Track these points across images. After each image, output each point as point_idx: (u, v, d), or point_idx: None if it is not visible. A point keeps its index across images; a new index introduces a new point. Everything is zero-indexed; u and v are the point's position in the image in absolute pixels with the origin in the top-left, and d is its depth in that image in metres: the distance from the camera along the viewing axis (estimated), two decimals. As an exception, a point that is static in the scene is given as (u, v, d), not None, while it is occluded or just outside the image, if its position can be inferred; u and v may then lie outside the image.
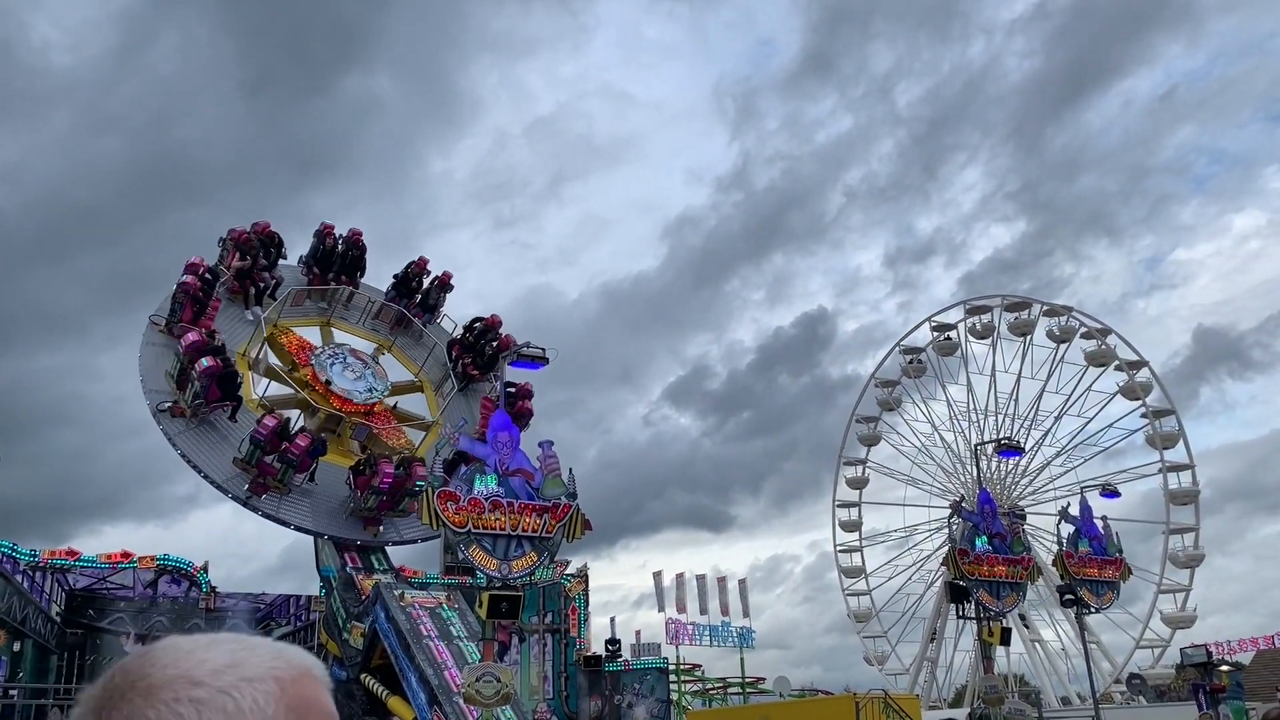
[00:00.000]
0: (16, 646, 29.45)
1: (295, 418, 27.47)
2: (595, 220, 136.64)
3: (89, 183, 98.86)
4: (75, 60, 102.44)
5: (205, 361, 23.93)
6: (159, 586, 32.16)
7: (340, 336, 30.12)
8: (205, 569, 30.59)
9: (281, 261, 29.92)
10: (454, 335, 32.06)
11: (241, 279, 28.17)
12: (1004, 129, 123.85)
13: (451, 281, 32.49)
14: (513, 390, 28.56)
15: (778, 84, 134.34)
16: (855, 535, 62.35)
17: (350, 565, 26.05)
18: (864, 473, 62.49)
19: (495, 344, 31.13)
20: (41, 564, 28.78)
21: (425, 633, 22.03)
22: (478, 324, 31.73)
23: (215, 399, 24.71)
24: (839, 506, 62.69)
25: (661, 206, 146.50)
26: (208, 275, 26.52)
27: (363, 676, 23.82)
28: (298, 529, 25.77)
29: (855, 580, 61.90)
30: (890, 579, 61.73)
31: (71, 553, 28.76)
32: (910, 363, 61.95)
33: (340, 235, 30.58)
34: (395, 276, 31.75)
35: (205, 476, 24.86)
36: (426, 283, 32.05)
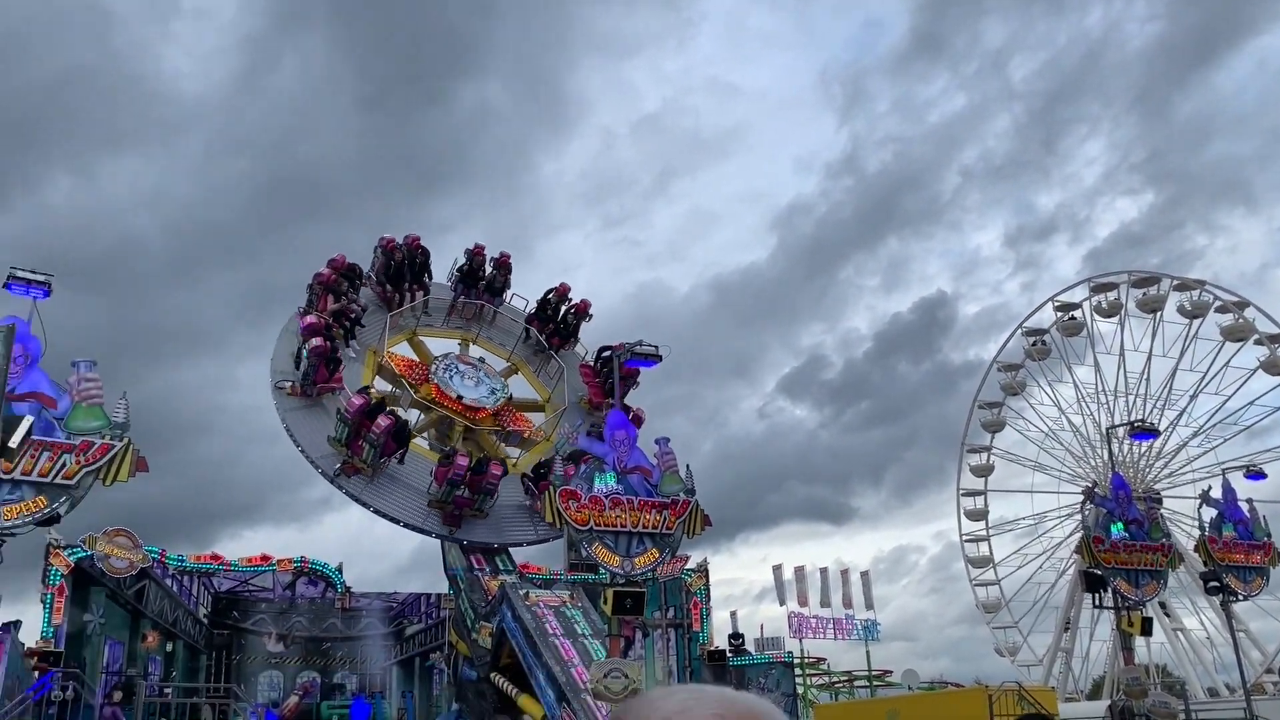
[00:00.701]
0: (169, 647, 31.13)
1: (414, 419, 28.25)
2: (703, 214, 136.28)
3: (222, 203, 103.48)
4: (205, 87, 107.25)
5: (315, 341, 24.87)
6: (297, 588, 33.54)
7: (476, 351, 31.04)
8: (340, 569, 31.75)
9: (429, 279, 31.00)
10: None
11: (396, 283, 29.31)
12: (1126, 98, 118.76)
13: (590, 311, 32.53)
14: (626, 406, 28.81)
15: (886, 66, 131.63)
16: (981, 524, 60.84)
17: (476, 566, 26.65)
18: (989, 460, 60.89)
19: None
20: (189, 568, 30.29)
21: (551, 631, 22.38)
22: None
23: (322, 380, 25.64)
24: (964, 495, 61.25)
25: (770, 196, 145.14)
26: (348, 270, 27.67)
27: (492, 675, 24.31)
28: (377, 513, 26.32)
29: (983, 570, 60.40)
30: (1020, 568, 60.04)
31: (215, 557, 30.20)
32: (1034, 345, 60.09)
33: (491, 257, 31.46)
34: (537, 302, 32.17)
35: (303, 451, 25.82)
36: (565, 310, 32.36)
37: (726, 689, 1.53)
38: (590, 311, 32.45)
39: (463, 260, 31.32)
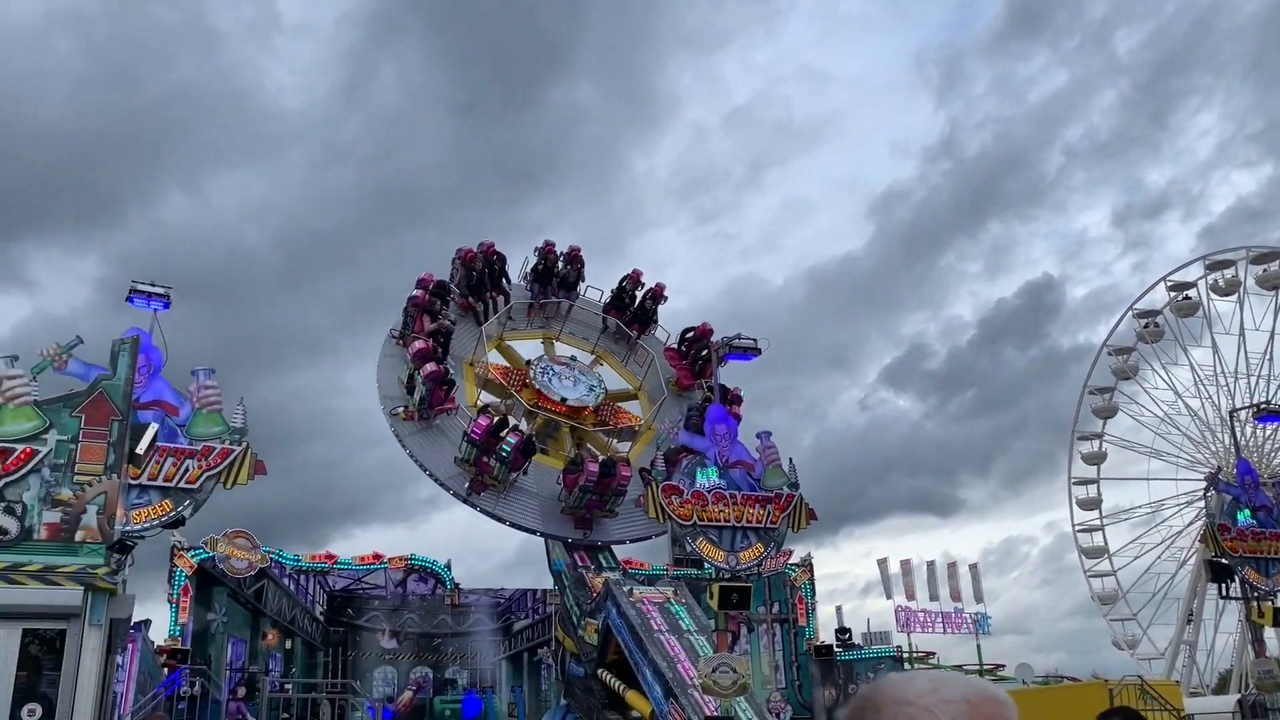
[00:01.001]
0: (288, 644, 32.15)
1: (518, 422, 28.61)
2: (797, 204, 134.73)
3: (326, 212, 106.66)
4: (307, 100, 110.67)
5: (428, 367, 25.42)
6: (408, 585, 34.31)
7: (560, 348, 31.33)
8: (449, 566, 32.34)
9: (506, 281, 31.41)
10: (668, 344, 32.69)
11: (478, 293, 29.78)
12: (1241, 66, 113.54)
13: (665, 294, 32.89)
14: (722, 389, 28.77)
15: (983, 45, 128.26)
16: (1095, 513, 58.99)
17: (580, 564, 26.93)
18: (1101, 447, 58.99)
19: (706, 351, 31.72)
20: (304, 568, 31.21)
21: (656, 627, 22.44)
22: (690, 333, 32.45)
23: (438, 402, 26.19)
24: (1075, 484, 59.47)
25: (866, 184, 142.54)
26: (437, 288, 28.19)
27: (599, 671, 24.49)
28: (513, 525, 26.84)
29: (1098, 561, 58.58)
30: (1137, 558, 58.02)
31: (329, 556, 31.03)
32: (1146, 327, 57.98)
33: (561, 252, 31.79)
34: (612, 291, 32.53)
35: (431, 475, 26.36)
36: (640, 295, 32.67)
37: (960, 674, 1.70)
38: (665, 294, 32.76)
39: (534, 259, 31.70)
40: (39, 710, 9.05)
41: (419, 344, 25.92)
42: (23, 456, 9.93)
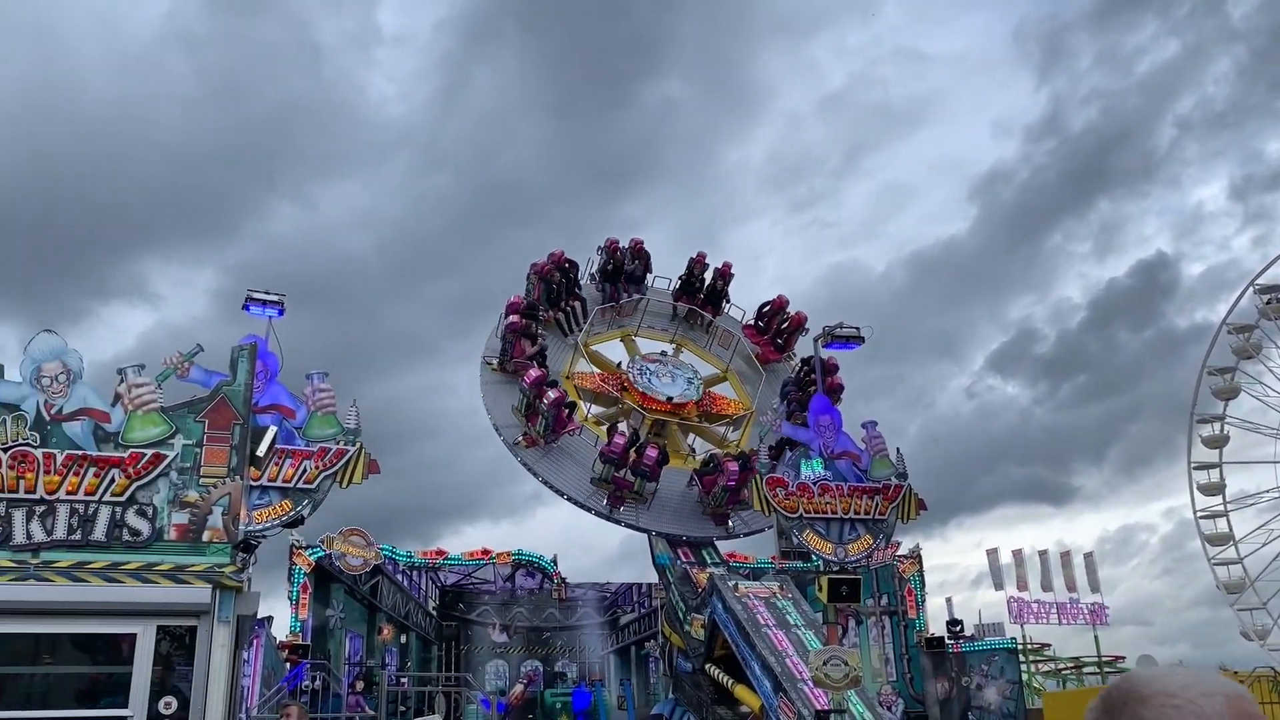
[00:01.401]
0: (403, 639, 32.90)
1: (637, 432, 28.59)
2: (897, 188, 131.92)
3: (428, 217, 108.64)
4: (408, 109, 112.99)
5: (552, 393, 25.44)
6: (516, 580, 34.78)
7: (641, 344, 31.29)
8: (554, 561, 32.69)
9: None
10: (744, 321, 32.45)
11: (552, 305, 29.89)
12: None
13: (732, 271, 32.77)
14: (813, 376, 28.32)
15: (1088, 17, 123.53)
16: (1218, 499, 56.49)
17: (684, 560, 26.90)
18: (1223, 430, 56.44)
19: (786, 324, 31.40)
20: (416, 564, 31.90)
21: (763, 621, 22.29)
22: (766, 307, 32.07)
23: (562, 426, 26.28)
24: (1195, 469, 57.04)
25: (967, 165, 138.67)
26: (529, 310, 28.33)
27: (707, 667, 24.43)
28: (659, 535, 26.91)
29: (1222, 548, 56.09)
30: (1265, 545, 55.37)
31: (440, 552, 31.66)
32: (1269, 303, 55.24)
33: (624, 248, 31.73)
34: (680, 277, 32.43)
35: (570, 498, 26.41)
36: (709, 277, 32.54)
37: (1205, 670, 1.78)
38: (732, 272, 32.54)
39: (600, 259, 31.58)
40: (174, 703, 9.39)
41: (534, 372, 25.91)
42: (152, 461, 10.32)
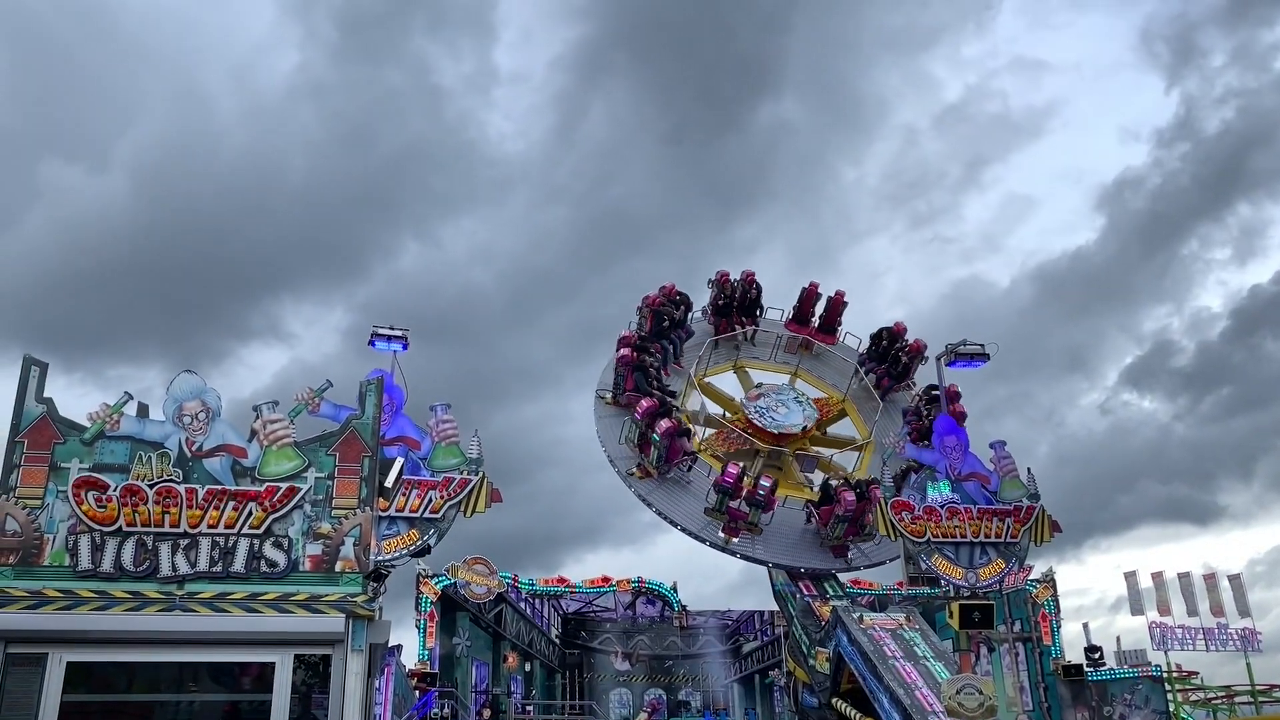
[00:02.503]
0: (527, 667, 33.08)
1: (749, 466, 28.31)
2: (1019, 200, 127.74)
3: (546, 249, 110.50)
4: (525, 145, 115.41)
5: (664, 424, 25.37)
6: (637, 607, 34.67)
7: (754, 375, 30.98)
8: (675, 588, 32.46)
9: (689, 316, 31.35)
10: (861, 351, 31.80)
11: (662, 337, 29.86)
12: None
13: (845, 300, 32.22)
14: (936, 394, 27.56)
15: (1218, 13, 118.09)
16: (1378, 517, 52.98)
17: (806, 593, 26.40)
18: (1379, 443, 53.02)
19: (905, 351, 30.65)
20: (538, 592, 32.07)
21: (890, 654, 21.68)
22: (884, 334, 31.39)
23: (674, 457, 26.18)
24: (1351, 485, 53.66)
25: (1093, 173, 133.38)
26: (639, 343, 28.35)
27: (834, 701, 23.89)
28: (775, 566, 26.56)
29: (1385, 569, 52.51)
30: None
31: (562, 580, 31.76)
32: None
33: (735, 280, 31.54)
34: (794, 306, 32.04)
35: (682, 529, 26.30)
36: (821, 306, 32.04)
37: None
38: (846, 301, 31.90)
39: (711, 292, 31.39)
40: (311, 730, 9.56)
41: (647, 402, 25.92)
42: (287, 494, 10.60)
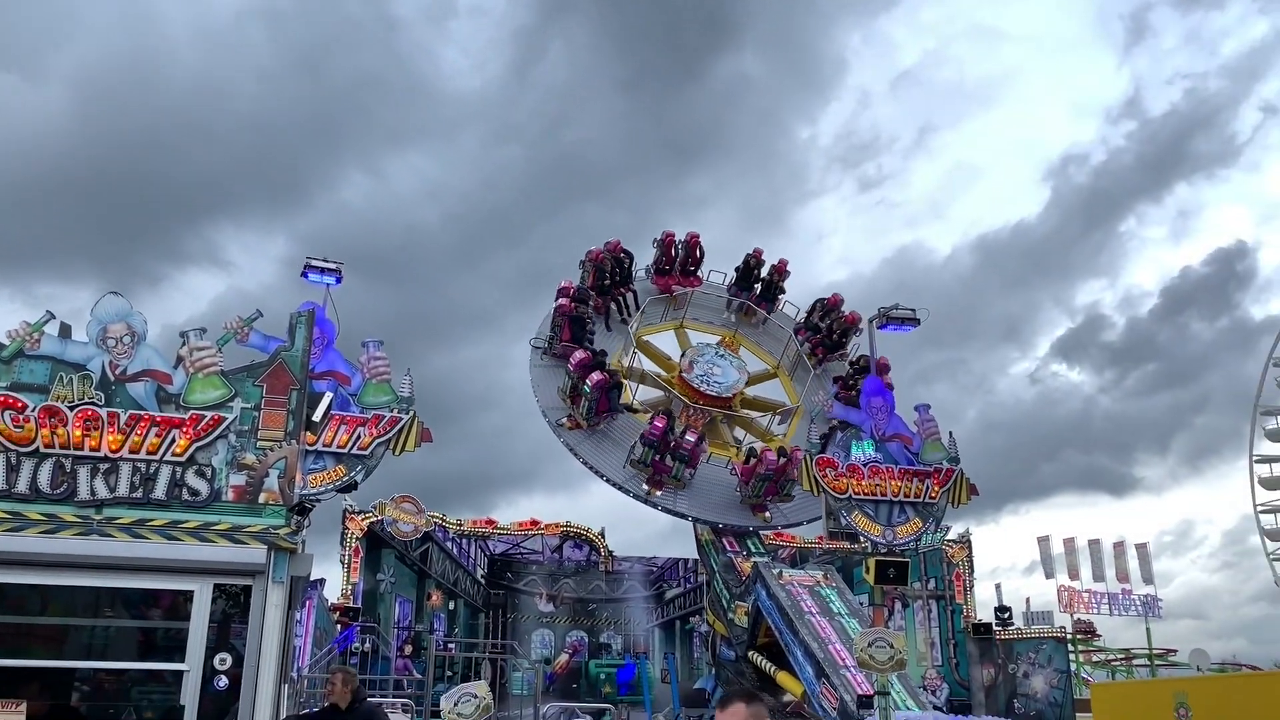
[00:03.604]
0: (451, 605, 33.38)
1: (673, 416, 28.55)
2: (967, 169, 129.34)
3: (496, 190, 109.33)
4: (481, 82, 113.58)
5: (595, 376, 25.46)
6: (564, 551, 35.07)
7: (693, 337, 31.19)
8: (603, 534, 32.92)
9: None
10: (797, 320, 32.15)
11: (603, 293, 29.87)
12: None
13: (788, 268, 32.52)
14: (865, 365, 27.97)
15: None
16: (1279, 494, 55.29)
17: (729, 549, 26.91)
18: (1287, 423, 55.11)
19: (840, 322, 31.14)
20: (466, 532, 32.26)
21: (806, 609, 22.24)
22: (820, 305, 31.75)
23: (604, 410, 26.33)
24: (1258, 462, 55.76)
25: (1041, 146, 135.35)
26: (579, 296, 28.30)
27: (750, 654, 24.45)
28: (695, 520, 26.99)
29: (1282, 544, 54.91)
30: (1327, 542, 54.12)
31: (490, 522, 32.01)
32: (1340, 295, 53.76)
33: (680, 241, 31.68)
34: (737, 270, 32.24)
35: (607, 479, 26.55)
36: (765, 272, 32.33)
37: None
38: (788, 269, 32.26)
39: (655, 252, 31.48)
40: (229, 659, 9.59)
41: (580, 354, 25.95)
42: (212, 423, 10.51)
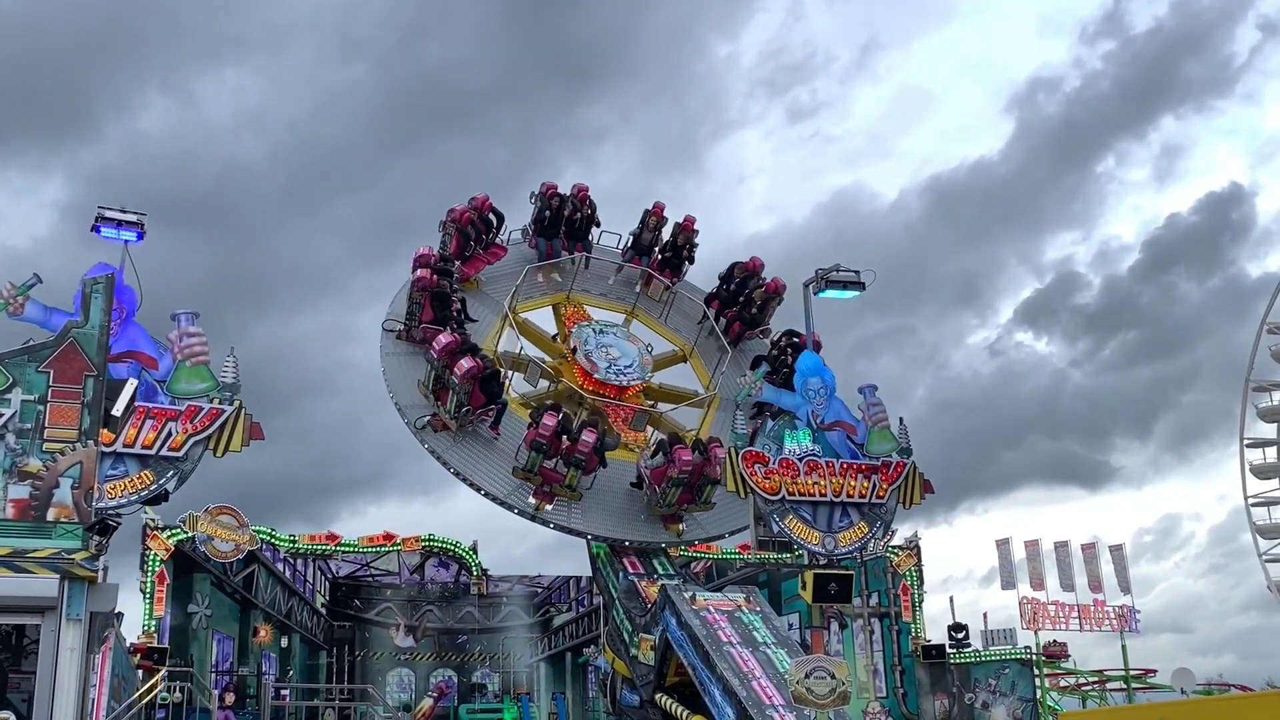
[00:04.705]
0: (284, 642, 32.91)
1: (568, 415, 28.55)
2: (917, 95, 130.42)
3: (339, 120, 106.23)
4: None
5: (465, 363, 25.20)
6: (426, 571, 34.91)
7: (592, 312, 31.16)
8: (475, 549, 32.74)
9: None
10: (711, 290, 32.30)
11: (472, 262, 29.64)
12: None
13: (696, 227, 32.63)
14: (797, 339, 28.38)
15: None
16: (1275, 483, 58.35)
17: (631, 571, 27.05)
18: (1283, 400, 58.13)
19: (761, 290, 31.33)
20: (302, 550, 31.75)
21: (725, 639, 22.55)
22: (736, 270, 31.90)
23: (480, 404, 26.14)
24: (1249, 446, 58.74)
25: (1005, 70, 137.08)
26: (441, 265, 27.93)
27: (658, 697, 24.69)
28: (595, 538, 27.04)
29: (1276, 542, 58.03)
30: (1326, 540, 57.43)
31: (332, 536, 31.44)
32: (1341, 250, 56.79)
33: (565, 195, 31.50)
34: (632, 233, 32.27)
35: (486, 494, 26.39)
36: (667, 233, 32.36)
37: None
38: (697, 229, 32.45)
39: (535, 207, 31.50)
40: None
41: (444, 338, 25.65)
42: (-18, 420, 10.18)
